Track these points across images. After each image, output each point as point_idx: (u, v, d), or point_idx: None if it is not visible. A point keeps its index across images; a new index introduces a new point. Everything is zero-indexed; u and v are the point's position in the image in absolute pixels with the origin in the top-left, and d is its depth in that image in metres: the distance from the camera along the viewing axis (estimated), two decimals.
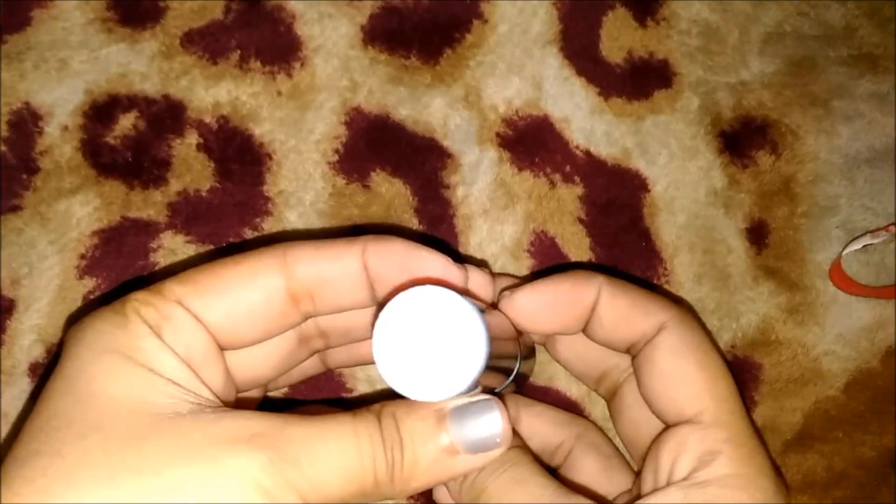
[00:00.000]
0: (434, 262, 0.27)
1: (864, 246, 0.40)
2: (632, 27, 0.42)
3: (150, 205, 0.38)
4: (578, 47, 0.41)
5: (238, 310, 0.26)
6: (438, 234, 0.39)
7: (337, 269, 0.27)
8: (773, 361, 0.39)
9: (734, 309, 0.39)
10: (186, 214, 0.38)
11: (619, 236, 0.40)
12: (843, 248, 0.40)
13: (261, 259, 0.27)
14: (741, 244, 0.40)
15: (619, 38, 0.42)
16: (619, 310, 0.30)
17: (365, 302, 0.28)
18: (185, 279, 0.26)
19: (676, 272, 0.39)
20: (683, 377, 0.28)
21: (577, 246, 0.39)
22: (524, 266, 0.39)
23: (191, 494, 0.21)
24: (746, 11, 0.43)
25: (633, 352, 0.30)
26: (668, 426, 0.28)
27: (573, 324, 0.30)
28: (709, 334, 0.30)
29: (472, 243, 0.39)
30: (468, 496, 0.28)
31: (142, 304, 0.25)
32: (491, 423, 0.25)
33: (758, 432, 0.28)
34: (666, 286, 0.39)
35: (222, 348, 0.26)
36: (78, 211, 0.37)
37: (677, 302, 0.33)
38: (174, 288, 0.25)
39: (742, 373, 0.39)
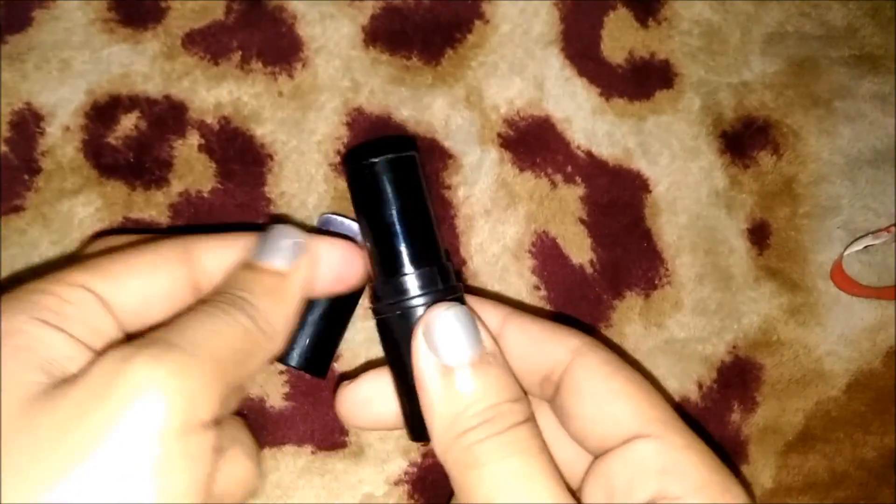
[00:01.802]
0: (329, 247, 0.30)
1: (866, 247, 0.40)
2: (633, 27, 0.42)
3: (151, 205, 0.38)
4: (580, 48, 0.41)
5: (143, 294, 0.26)
6: (440, 234, 0.38)
7: (234, 253, 0.29)
8: (775, 362, 0.39)
9: (736, 309, 0.39)
10: (188, 215, 0.38)
11: (620, 237, 0.40)
12: (845, 249, 0.40)
13: (165, 248, 0.28)
14: (743, 244, 0.40)
15: (620, 38, 0.42)
16: (530, 335, 0.29)
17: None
18: (92, 266, 0.26)
19: (678, 273, 0.39)
20: (619, 394, 0.26)
21: (578, 246, 0.39)
22: (525, 266, 0.39)
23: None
24: (748, 11, 0.43)
25: (545, 385, 0.28)
26: (606, 450, 0.26)
27: None
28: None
29: (474, 244, 0.39)
30: (459, 455, 0.25)
31: (39, 292, 0.24)
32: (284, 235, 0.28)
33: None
34: (668, 286, 0.39)
35: (126, 332, 0.26)
36: (80, 212, 0.37)
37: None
38: (80, 274, 0.25)
39: (743, 373, 0.39)
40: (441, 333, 0.26)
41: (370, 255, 0.30)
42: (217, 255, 0.28)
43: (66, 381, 0.22)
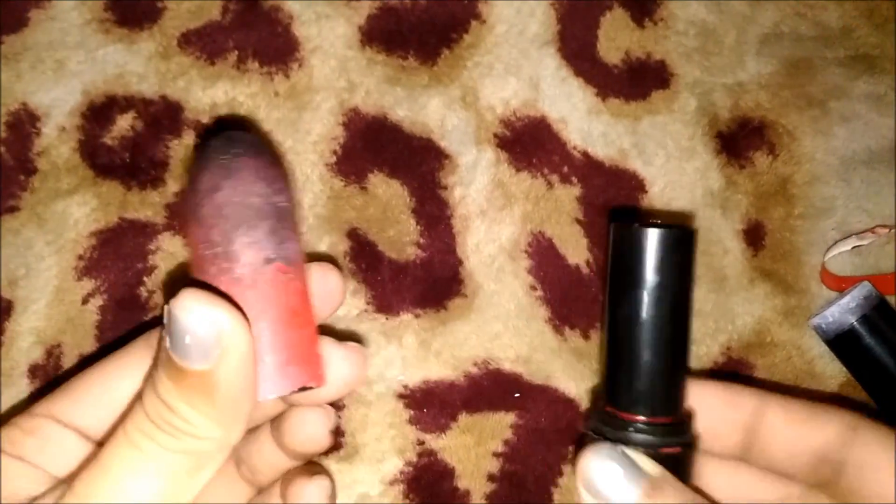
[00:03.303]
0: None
1: (853, 248, 0.40)
2: (629, 28, 0.42)
3: (147, 206, 0.38)
4: (576, 48, 0.41)
5: (106, 404, 0.27)
6: (436, 234, 0.39)
7: None
8: (768, 363, 0.39)
9: (730, 311, 0.39)
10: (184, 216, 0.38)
11: None
12: (827, 251, 0.40)
13: (130, 352, 0.27)
14: (738, 245, 0.40)
15: (616, 38, 0.42)
16: (795, 415, 0.28)
17: None
18: (61, 391, 0.27)
19: None
20: None
21: (574, 246, 0.39)
22: (522, 266, 0.39)
23: None
24: (744, 12, 0.43)
25: (820, 468, 0.27)
26: None
27: (731, 437, 0.29)
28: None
29: (470, 244, 0.39)
30: None
31: (9, 425, 0.26)
32: (192, 324, 0.22)
33: None
34: None
35: (97, 440, 0.27)
36: (75, 212, 0.37)
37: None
38: (46, 404, 0.27)
39: (736, 374, 0.39)
40: (600, 481, 0.25)
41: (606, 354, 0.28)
42: None
43: None
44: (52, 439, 0.26)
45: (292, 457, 0.30)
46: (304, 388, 0.25)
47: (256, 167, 0.25)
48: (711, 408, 0.29)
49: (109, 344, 0.36)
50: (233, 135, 0.26)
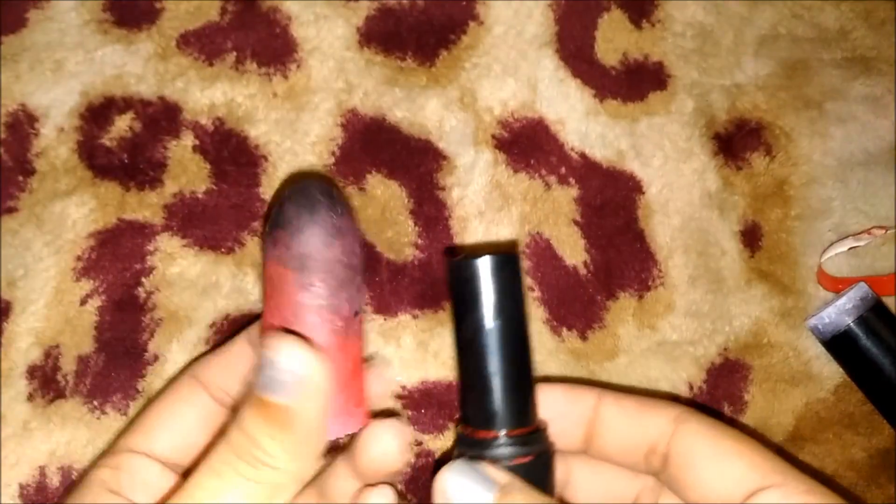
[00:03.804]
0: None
1: (850, 249, 0.40)
2: (627, 29, 0.42)
3: (145, 206, 0.38)
4: (574, 49, 0.42)
5: (177, 434, 0.31)
6: (434, 235, 0.39)
7: (236, 359, 0.31)
8: (765, 364, 0.39)
9: (727, 312, 0.39)
10: (182, 216, 0.38)
11: (613, 238, 0.40)
12: (823, 252, 0.40)
13: (180, 387, 0.31)
14: (735, 246, 0.40)
15: (614, 39, 0.42)
16: (628, 410, 0.29)
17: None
18: (133, 429, 0.31)
19: (671, 274, 0.40)
20: (732, 453, 0.27)
21: (571, 247, 0.39)
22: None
23: None
24: (741, 14, 0.43)
25: (651, 459, 0.29)
26: None
27: (574, 433, 0.30)
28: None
29: (468, 245, 0.39)
30: None
31: (98, 467, 0.30)
32: (282, 364, 0.25)
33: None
34: (661, 288, 0.39)
35: (180, 464, 0.31)
36: (74, 213, 0.37)
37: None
38: (125, 440, 0.31)
39: (733, 374, 0.39)
40: (454, 495, 0.27)
41: (461, 382, 0.30)
42: (224, 374, 0.31)
43: None
44: (137, 471, 0.29)
45: (367, 479, 0.31)
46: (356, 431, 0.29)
47: (354, 229, 0.29)
48: (554, 408, 0.30)
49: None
50: (334, 192, 0.29)
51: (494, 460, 0.28)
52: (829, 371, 0.39)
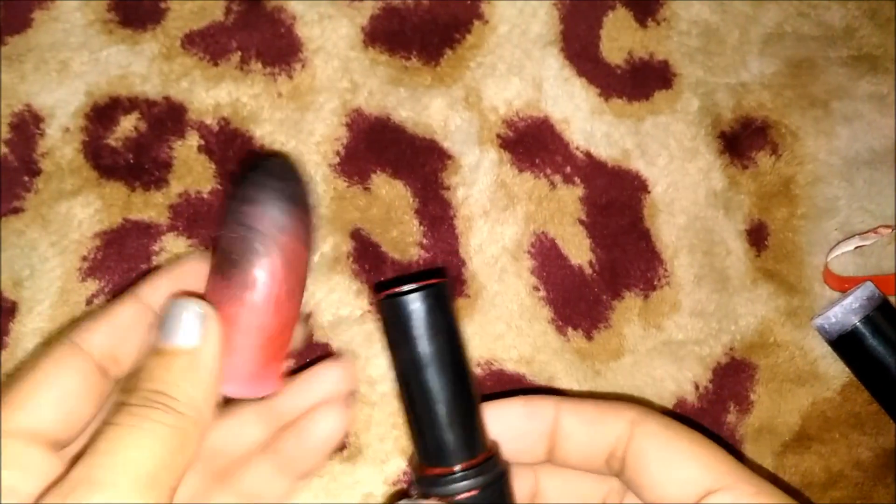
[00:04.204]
0: (195, 262, 0.31)
1: (856, 248, 0.40)
2: (632, 28, 0.42)
3: (151, 206, 0.38)
4: (579, 48, 0.41)
5: (60, 407, 0.28)
6: (439, 235, 0.39)
7: (123, 324, 0.29)
8: (771, 363, 0.39)
9: (733, 311, 0.39)
10: (188, 216, 0.38)
11: (619, 237, 0.40)
12: (830, 251, 0.40)
13: (55, 355, 0.28)
14: (741, 246, 0.40)
15: (619, 38, 0.42)
16: (586, 417, 0.29)
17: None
18: (6, 403, 0.27)
19: (676, 274, 0.40)
20: (684, 455, 0.27)
21: (577, 247, 0.39)
22: (524, 267, 0.39)
23: None
24: (746, 12, 0.43)
25: (612, 462, 0.29)
26: None
27: (537, 447, 0.30)
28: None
29: (473, 245, 0.39)
30: None
31: None
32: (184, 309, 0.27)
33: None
34: (666, 287, 0.39)
35: (61, 442, 0.28)
36: (79, 213, 0.37)
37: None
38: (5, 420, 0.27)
39: (739, 374, 0.39)
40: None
41: (408, 421, 0.30)
42: (101, 334, 0.29)
43: None
44: (16, 456, 0.26)
45: (295, 474, 0.32)
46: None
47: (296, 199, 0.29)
48: (515, 425, 0.30)
49: None
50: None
51: (446, 496, 0.28)
52: (836, 370, 0.39)
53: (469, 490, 0.28)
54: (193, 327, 0.27)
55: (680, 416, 0.38)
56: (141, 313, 0.30)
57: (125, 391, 0.26)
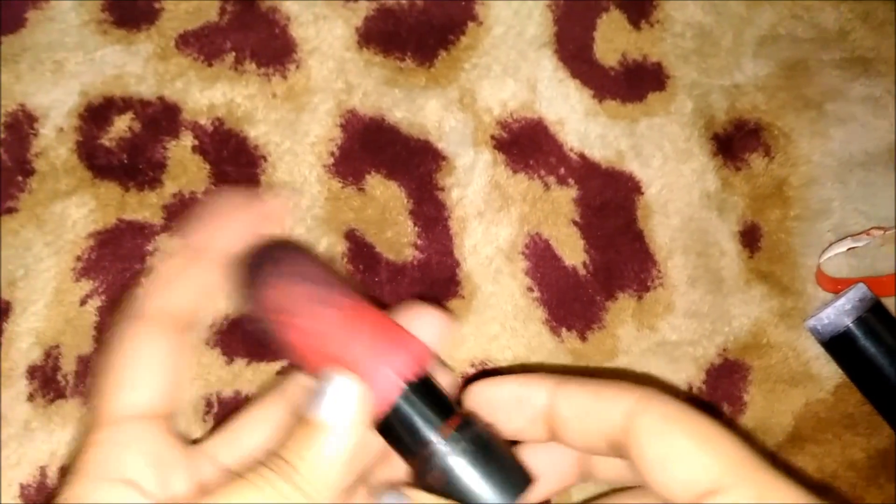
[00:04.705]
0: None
1: (849, 249, 0.40)
2: (626, 29, 0.42)
3: (145, 207, 0.38)
4: (573, 50, 0.42)
5: (160, 384, 0.28)
6: (433, 236, 0.39)
7: (195, 281, 0.29)
8: (764, 364, 0.39)
9: (727, 312, 0.40)
10: (182, 217, 0.38)
11: (613, 238, 0.40)
12: (822, 253, 0.40)
13: (136, 331, 0.28)
14: (734, 247, 0.40)
15: (613, 40, 0.42)
16: (584, 402, 0.28)
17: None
18: (103, 391, 0.27)
19: (670, 275, 0.40)
20: (687, 451, 0.25)
21: (571, 248, 0.40)
22: (519, 268, 0.39)
23: None
24: (740, 14, 0.43)
25: (614, 448, 0.27)
26: None
27: (536, 428, 0.29)
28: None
29: (467, 245, 0.39)
30: None
31: (87, 448, 0.27)
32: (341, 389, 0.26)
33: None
34: (660, 288, 0.39)
35: (170, 411, 0.28)
36: (74, 213, 0.37)
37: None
38: (100, 409, 0.27)
39: (732, 375, 0.39)
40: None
41: None
42: (178, 296, 0.29)
43: None
44: (133, 441, 0.27)
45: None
46: None
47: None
48: (503, 407, 0.29)
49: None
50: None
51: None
52: (829, 371, 0.39)
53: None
54: (349, 408, 0.26)
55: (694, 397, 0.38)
56: (208, 266, 0.29)
57: (269, 451, 0.26)
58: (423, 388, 0.27)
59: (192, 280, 0.29)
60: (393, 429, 0.27)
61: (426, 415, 0.27)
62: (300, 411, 0.26)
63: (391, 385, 0.26)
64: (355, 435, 0.26)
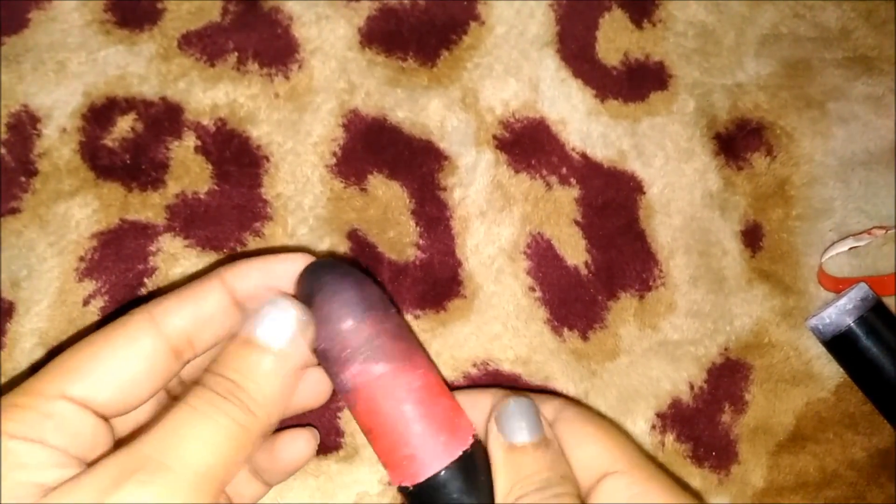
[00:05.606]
0: (292, 263, 0.30)
1: (851, 249, 0.40)
2: (628, 29, 0.42)
3: (148, 207, 0.38)
4: (575, 49, 0.42)
5: (122, 382, 0.27)
6: (435, 235, 0.39)
7: (207, 309, 0.29)
8: (766, 363, 0.39)
9: (729, 311, 0.40)
10: (185, 217, 0.38)
11: (615, 238, 0.40)
12: (824, 253, 0.40)
13: (132, 326, 0.28)
14: (736, 246, 0.40)
15: (615, 39, 0.42)
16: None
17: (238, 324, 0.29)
18: (67, 368, 0.26)
19: (672, 274, 0.40)
20: (590, 439, 0.30)
21: (573, 248, 0.40)
22: (521, 268, 0.39)
23: None
24: (742, 13, 0.43)
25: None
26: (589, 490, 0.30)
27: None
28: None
29: (469, 245, 0.39)
30: None
31: (15, 407, 0.25)
32: (285, 309, 0.27)
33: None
34: (662, 288, 0.39)
35: (114, 415, 0.27)
36: (77, 213, 0.37)
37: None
38: (56, 382, 0.26)
39: (734, 374, 0.39)
40: (508, 419, 0.30)
41: None
42: (181, 316, 0.28)
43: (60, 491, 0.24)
44: (71, 422, 0.26)
45: (266, 481, 0.33)
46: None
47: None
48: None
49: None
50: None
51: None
52: (830, 371, 0.40)
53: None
54: (288, 330, 0.27)
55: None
56: (224, 301, 0.29)
57: (206, 371, 0.26)
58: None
59: (201, 306, 0.29)
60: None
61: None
62: (240, 330, 0.27)
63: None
64: (296, 356, 0.27)
